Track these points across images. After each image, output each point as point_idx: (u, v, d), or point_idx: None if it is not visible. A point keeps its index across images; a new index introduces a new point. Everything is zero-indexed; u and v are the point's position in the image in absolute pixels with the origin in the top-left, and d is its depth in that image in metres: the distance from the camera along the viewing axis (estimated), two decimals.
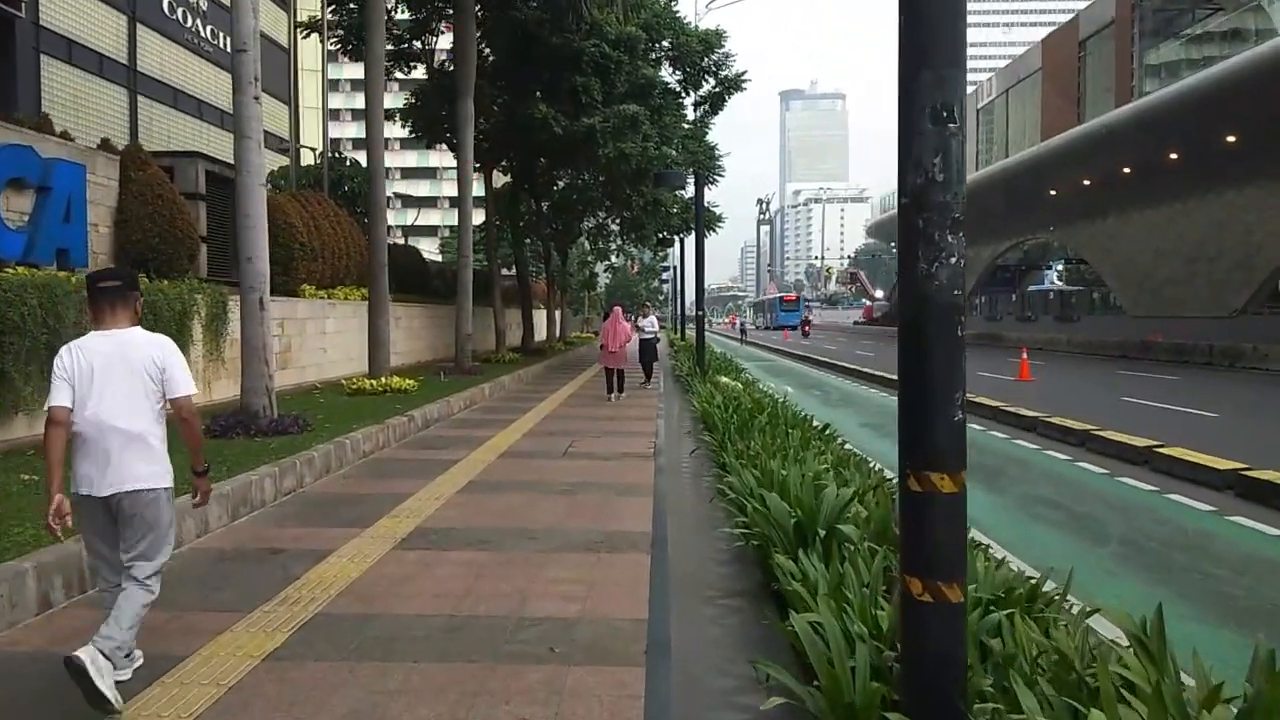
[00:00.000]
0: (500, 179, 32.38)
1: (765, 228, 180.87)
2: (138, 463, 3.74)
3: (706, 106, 30.40)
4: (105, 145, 14.91)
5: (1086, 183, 39.01)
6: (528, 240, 35.73)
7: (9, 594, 4.54)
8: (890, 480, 6.62)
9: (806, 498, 5.41)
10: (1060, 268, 66.68)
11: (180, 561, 5.58)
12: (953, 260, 2.59)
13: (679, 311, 48.28)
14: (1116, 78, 40.89)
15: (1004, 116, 55.26)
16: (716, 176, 29.50)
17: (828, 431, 9.56)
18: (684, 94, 29.75)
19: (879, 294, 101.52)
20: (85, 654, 3.46)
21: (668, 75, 29.01)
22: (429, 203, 79.42)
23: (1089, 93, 44.15)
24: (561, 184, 33.35)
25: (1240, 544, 7.05)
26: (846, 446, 9.11)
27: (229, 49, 14.18)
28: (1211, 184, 34.02)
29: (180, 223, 13.11)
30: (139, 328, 3.92)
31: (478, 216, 30.16)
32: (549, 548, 6.12)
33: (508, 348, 27.73)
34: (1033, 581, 4.25)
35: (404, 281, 23.70)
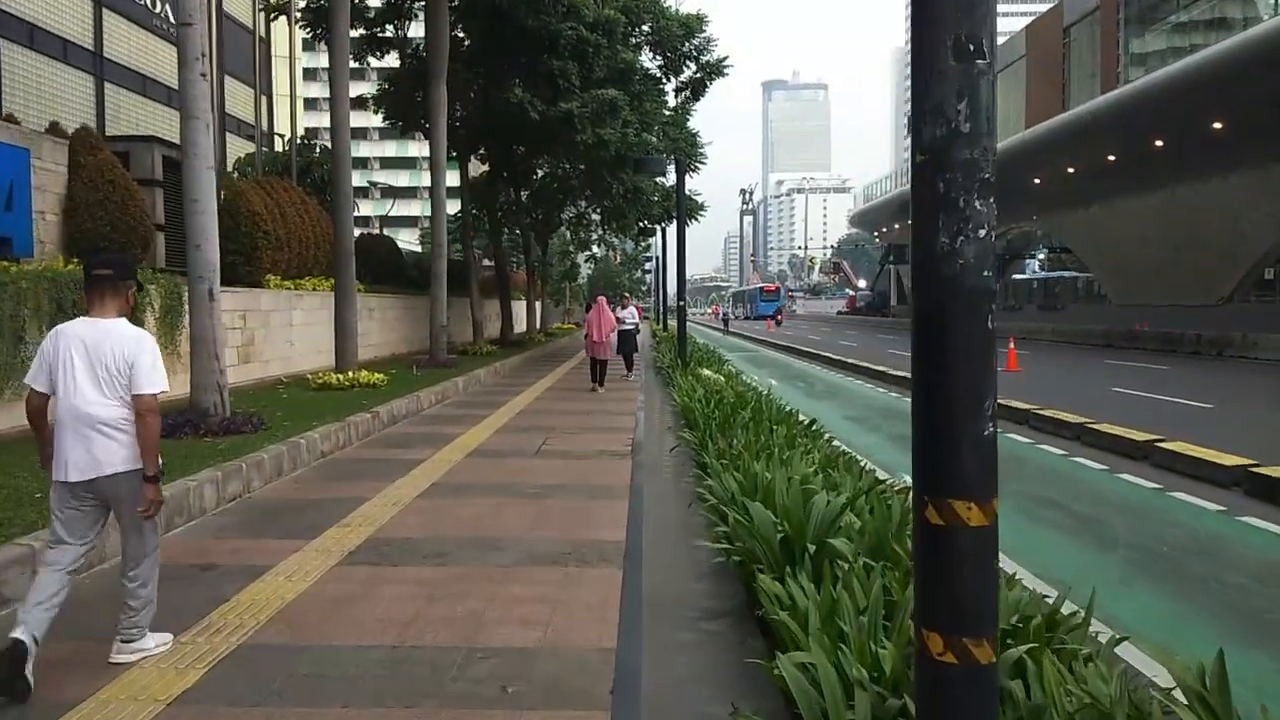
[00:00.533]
0: (478, 168, 31.65)
1: (749, 218, 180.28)
2: (110, 448, 3.77)
3: (688, 93, 29.66)
4: (54, 129, 14.20)
5: (1071, 170, 38.62)
6: (506, 230, 35.00)
7: None
8: (884, 483, 6.11)
9: (794, 507, 4.88)
10: (1042, 256, 66.60)
11: (96, 581, 5.01)
12: (982, 233, 2.01)
13: (661, 302, 47.72)
14: (1102, 65, 40.48)
15: None
16: (698, 164, 28.87)
17: (814, 427, 9.05)
18: (664, 80, 29.05)
19: (862, 284, 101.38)
20: (119, 658, 3.92)
21: (648, 60, 28.31)
22: (409, 193, 78.30)
23: (1074, 80, 43.70)
24: (541, 172, 32.63)
25: (1258, 548, 6.57)
26: (834, 444, 8.62)
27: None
28: (1197, 171, 33.69)
29: (133, 210, 12.47)
30: (124, 319, 3.95)
31: (454, 205, 29.46)
32: (512, 561, 5.57)
33: (486, 339, 27.08)
34: (1050, 602, 3.76)
35: (378, 272, 23.04)
